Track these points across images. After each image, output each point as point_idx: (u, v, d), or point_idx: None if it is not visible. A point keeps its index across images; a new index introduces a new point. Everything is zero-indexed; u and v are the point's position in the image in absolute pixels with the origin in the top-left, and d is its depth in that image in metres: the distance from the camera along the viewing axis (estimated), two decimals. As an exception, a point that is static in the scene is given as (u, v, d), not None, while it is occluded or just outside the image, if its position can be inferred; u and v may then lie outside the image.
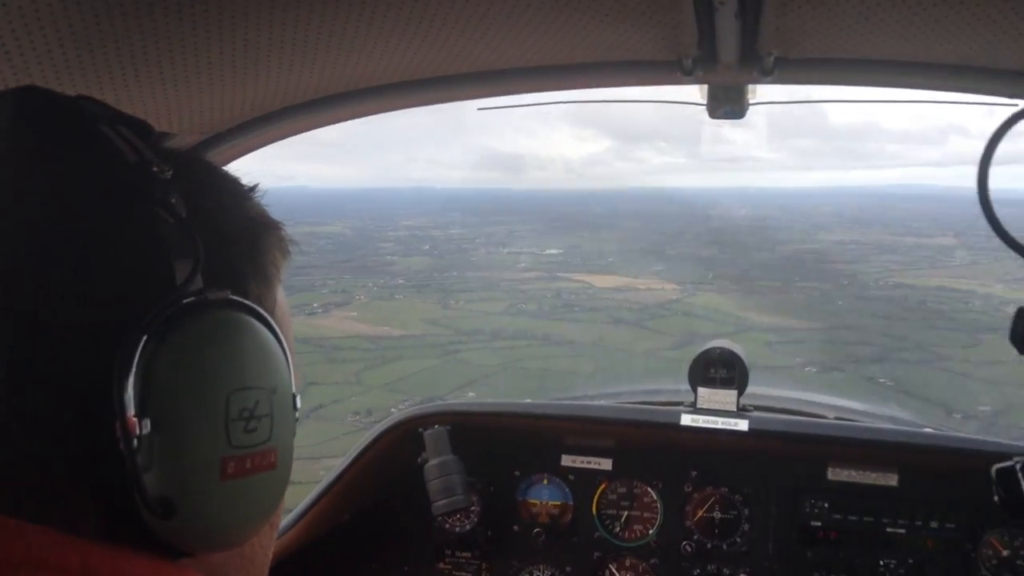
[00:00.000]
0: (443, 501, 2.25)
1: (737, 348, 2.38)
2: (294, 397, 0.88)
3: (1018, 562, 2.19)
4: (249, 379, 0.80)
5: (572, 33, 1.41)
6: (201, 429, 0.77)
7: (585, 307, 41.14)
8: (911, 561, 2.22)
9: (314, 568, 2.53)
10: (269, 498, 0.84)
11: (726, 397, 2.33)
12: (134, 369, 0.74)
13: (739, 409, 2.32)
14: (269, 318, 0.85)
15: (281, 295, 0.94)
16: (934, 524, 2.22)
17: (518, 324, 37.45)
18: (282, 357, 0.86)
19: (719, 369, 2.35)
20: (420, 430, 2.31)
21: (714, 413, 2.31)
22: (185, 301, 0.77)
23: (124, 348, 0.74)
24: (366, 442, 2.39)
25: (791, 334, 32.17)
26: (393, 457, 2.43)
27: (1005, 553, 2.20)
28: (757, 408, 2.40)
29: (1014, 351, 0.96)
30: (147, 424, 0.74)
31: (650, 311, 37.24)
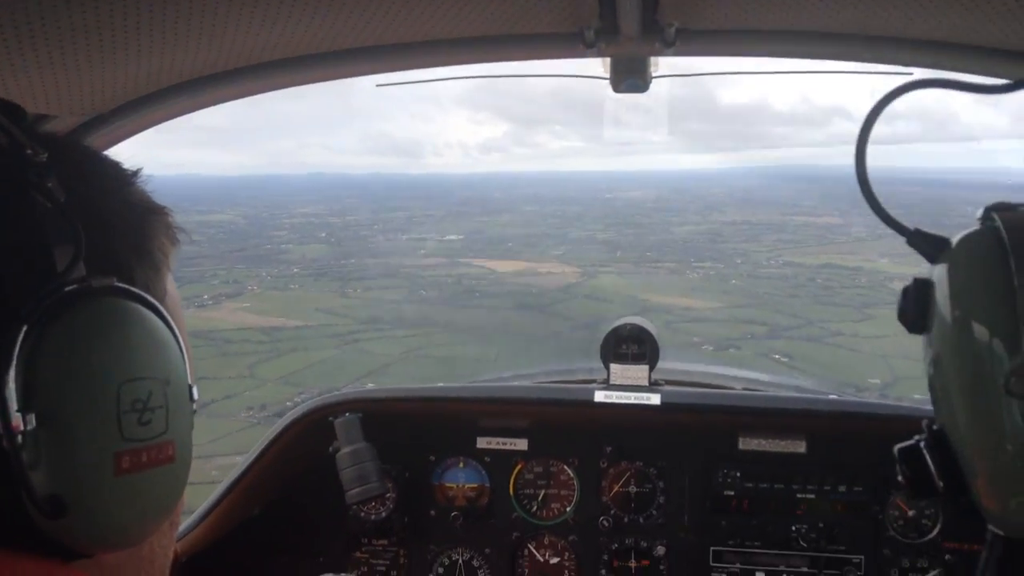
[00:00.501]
0: (357, 489, 2.20)
1: (647, 324, 2.42)
2: (190, 388, 0.85)
3: (923, 521, 2.31)
4: (140, 369, 0.77)
5: (470, 5, 1.37)
6: (91, 423, 0.73)
7: (488, 292, 41.28)
8: (821, 525, 2.31)
9: (226, 563, 2.44)
10: (168, 493, 0.81)
11: (638, 372, 2.36)
12: (15, 362, 0.70)
13: (651, 384, 2.35)
14: (159, 306, 0.82)
15: (172, 284, 0.91)
16: (842, 488, 2.31)
17: (419, 311, 37.24)
18: (175, 346, 0.83)
19: (630, 345, 2.38)
20: (330, 418, 2.25)
21: (627, 389, 2.33)
22: (67, 289, 0.74)
23: (3, 340, 0.70)
24: (275, 433, 2.32)
25: (688, 314, 33.16)
26: (303, 447, 2.37)
27: (911, 514, 2.32)
28: (668, 382, 2.44)
29: (899, 325, 1.00)
30: (32, 419, 0.70)
31: (552, 295, 37.71)
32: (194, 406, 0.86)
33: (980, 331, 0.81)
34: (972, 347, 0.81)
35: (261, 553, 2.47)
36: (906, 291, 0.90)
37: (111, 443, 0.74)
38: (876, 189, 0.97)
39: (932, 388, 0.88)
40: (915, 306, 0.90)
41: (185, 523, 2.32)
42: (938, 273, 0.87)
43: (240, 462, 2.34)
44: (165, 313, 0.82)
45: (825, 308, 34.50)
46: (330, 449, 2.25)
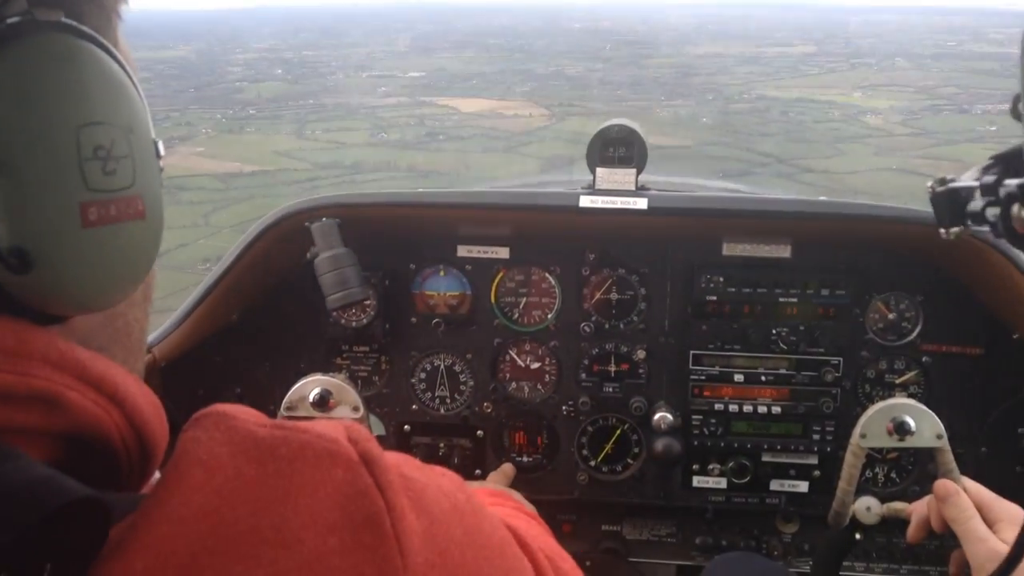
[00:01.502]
0: (338, 294, 2.17)
1: (635, 125, 2.36)
2: (155, 143, 0.80)
3: (903, 324, 2.38)
4: (99, 113, 0.72)
5: None
6: (52, 169, 0.69)
7: (451, 135, 40.56)
8: (802, 328, 2.37)
9: (205, 368, 2.48)
10: (140, 252, 0.78)
11: (625, 176, 2.33)
12: None
13: (637, 188, 2.32)
14: (113, 49, 0.76)
15: (125, 43, 0.83)
16: (825, 292, 2.36)
17: (380, 155, 36.61)
18: (136, 94, 0.77)
19: (618, 148, 2.33)
20: (307, 224, 2.21)
21: (613, 193, 2.29)
22: (9, 21, 0.67)
23: None
24: (249, 238, 2.28)
25: (659, 152, 32.98)
26: (280, 253, 2.34)
27: (891, 316, 2.39)
28: (655, 189, 2.42)
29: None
30: None
31: (519, 138, 37.13)
32: (161, 164, 0.82)
33: None
34: None
35: (241, 358, 2.50)
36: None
37: (76, 193, 0.70)
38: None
39: None
40: None
41: (160, 328, 2.32)
42: None
43: (214, 269, 2.32)
44: (121, 57, 0.76)
45: (798, 145, 34.54)
46: (308, 255, 2.22)
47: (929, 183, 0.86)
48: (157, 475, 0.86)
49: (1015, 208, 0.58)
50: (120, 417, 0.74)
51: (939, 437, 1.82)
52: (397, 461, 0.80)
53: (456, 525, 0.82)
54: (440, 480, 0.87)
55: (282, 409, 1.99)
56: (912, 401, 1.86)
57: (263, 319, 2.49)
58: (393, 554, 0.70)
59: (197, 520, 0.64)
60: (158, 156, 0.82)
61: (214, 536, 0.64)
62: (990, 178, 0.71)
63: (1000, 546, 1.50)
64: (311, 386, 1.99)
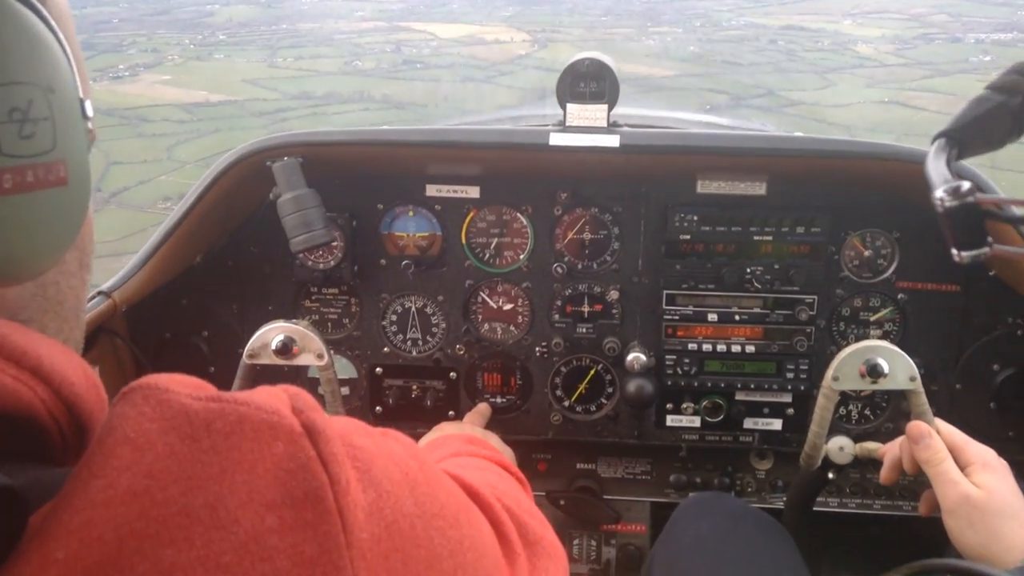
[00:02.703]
0: (301, 236, 2.16)
1: (607, 59, 2.33)
2: (82, 103, 0.77)
3: (879, 261, 2.41)
4: (13, 72, 0.68)
5: None
6: None
7: (429, 63, 39.86)
8: (777, 267, 2.39)
9: (170, 311, 2.48)
10: (64, 220, 0.75)
11: (596, 112, 2.30)
12: None
13: (609, 125, 2.30)
14: (34, 1, 0.72)
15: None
16: (800, 230, 2.37)
17: (354, 84, 35.96)
18: (59, 51, 0.74)
19: (589, 83, 2.30)
20: (268, 163, 2.19)
21: (584, 131, 2.27)
22: None
23: None
24: (208, 179, 2.25)
25: (645, 83, 32.68)
26: (242, 193, 2.31)
27: (866, 253, 2.41)
28: (627, 125, 2.40)
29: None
30: None
31: (499, 67, 36.54)
32: (90, 125, 0.79)
33: None
34: None
35: (206, 301, 2.51)
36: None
37: None
38: None
39: None
40: None
41: (120, 273, 2.31)
42: None
43: (174, 211, 2.30)
44: (43, 11, 0.73)
45: (786, 75, 34.24)
46: (271, 196, 2.21)
47: (939, 193, 0.79)
48: None
49: None
50: (47, 392, 0.71)
51: (912, 379, 1.86)
52: (345, 430, 0.78)
53: (406, 496, 0.80)
54: (391, 447, 0.85)
55: (244, 357, 2.00)
56: (885, 343, 1.89)
57: (228, 261, 2.48)
58: (336, 531, 0.68)
59: (124, 503, 0.61)
60: (85, 117, 0.79)
61: (143, 519, 0.61)
62: None
63: (971, 489, 1.56)
64: (273, 333, 2.00)
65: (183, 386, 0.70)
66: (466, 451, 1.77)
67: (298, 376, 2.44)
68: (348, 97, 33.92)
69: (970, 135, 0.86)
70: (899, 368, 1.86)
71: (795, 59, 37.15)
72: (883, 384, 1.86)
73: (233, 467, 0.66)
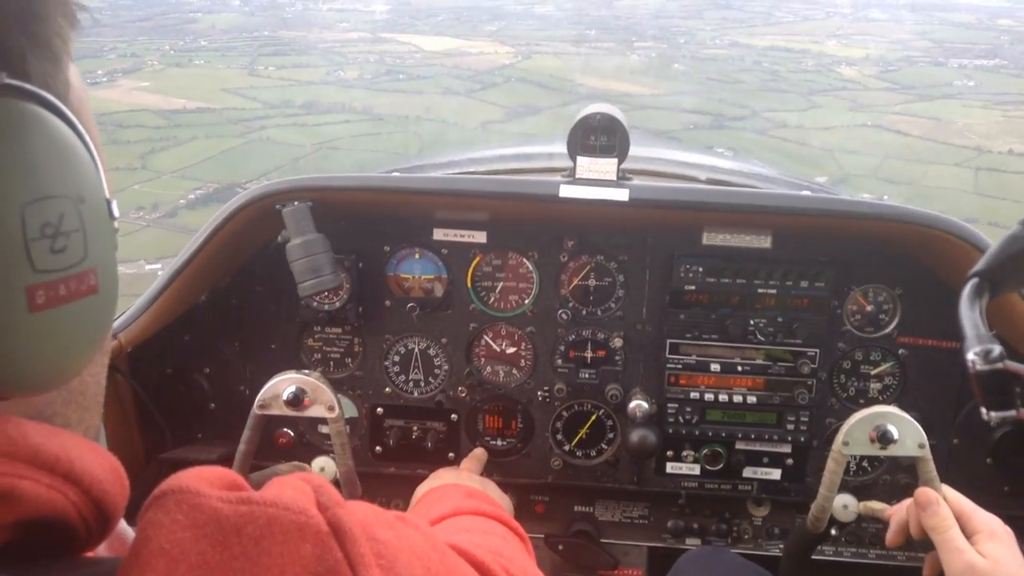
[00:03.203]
0: (310, 282, 2.20)
1: (618, 113, 2.37)
2: (108, 204, 0.77)
3: (880, 316, 2.47)
4: (46, 186, 0.68)
5: None
6: None
7: (412, 75, 39.90)
8: (780, 320, 2.44)
9: (174, 349, 2.49)
10: (94, 326, 0.76)
11: (606, 166, 2.33)
12: None
13: (619, 178, 2.34)
14: (62, 106, 0.72)
15: (76, 76, 0.79)
16: (804, 284, 2.42)
17: (335, 94, 35.91)
18: (86, 155, 0.74)
19: (599, 136, 2.34)
20: (278, 207, 2.22)
21: (594, 183, 2.31)
22: None
23: None
24: (217, 221, 2.28)
25: (628, 100, 32.89)
26: (250, 236, 2.34)
27: (869, 308, 2.47)
28: (633, 172, 2.44)
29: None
30: None
31: (482, 78, 36.61)
32: (116, 224, 0.79)
33: None
34: None
35: (209, 338, 2.52)
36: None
37: (21, 277, 0.66)
38: None
39: None
40: None
41: (127, 313, 2.32)
42: None
43: (182, 251, 2.32)
44: (70, 115, 0.73)
45: (771, 95, 34.58)
46: (279, 238, 2.23)
47: (970, 355, 0.80)
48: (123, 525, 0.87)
49: None
50: (77, 494, 0.72)
51: (921, 447, 1.90)
52: (368, 521, 0.79)
53: None
54: (412, 538, 0.87)
55: (255, 407, 2.01)
56: (895, 409, 1.94)
57: (233, 299, 2.50)
58: None
59: None
60: (112, 217, 0.78)
61: None
62: None
63: (977, 558, 1.60)
64: (285, 384, 2.01)
65: (212, 486, 0.71)
66: (467, 507, 1.79)
67: (298, 419, 2.46)
68: (329, 107, 33.87)
69: (1005, 275, 0.89)
70: (908, 435, 1.91)
71: (779, 79, 37.54)
72: (892, 451, 1.91)
73: (263, 572, 0.67)
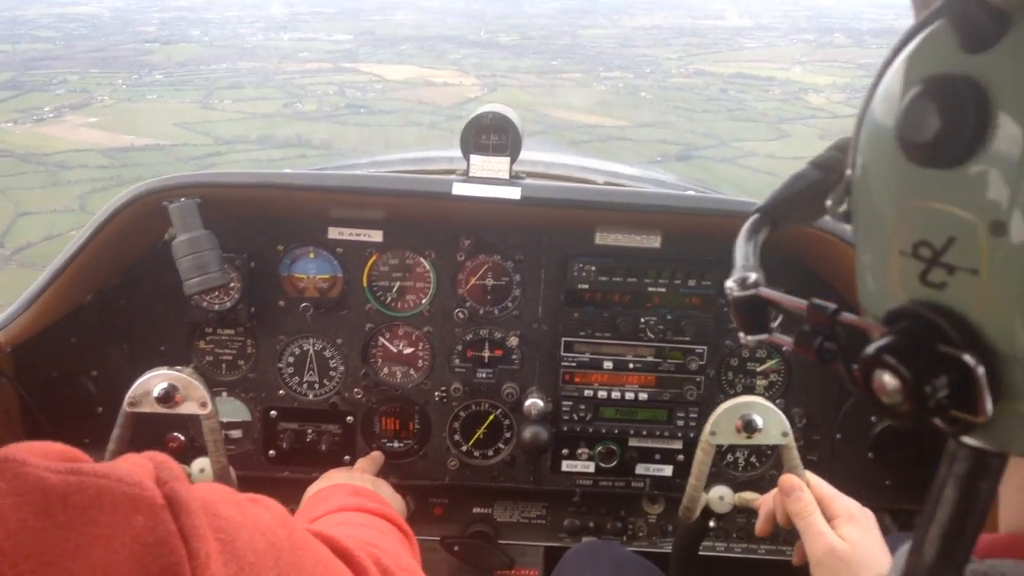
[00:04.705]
0: (196, 279, 2.23)
1: (510, 113, 2.49)
2: None
3: None
4: None
5: None
6: None
7: (373, 108, 40.03)
8: (669, 317, 2.55)
9: (58, 351, 2.53)
10: None
11: (499, 164, 2.44)
12: None
13: (512, 177, 2.45)
14: None
15: None
16: (692, 283, 2.54)
17: (293, 127, 35.81)
18: None
19: (491, 136, 2.45)
20: (165, 203, 2.27)
21: (486, 182, 2.42)
22: None
23: None
24: (102, 217, 2.33)
25: (597, 131, 33.26)
26: (136, 233, 2.40)
27: None
28: (529, 175, 2.55)
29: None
30: None
31: (446, 111, 36.78)
32: None
33: None
34: None
35: (96, 340, 2.56)
36: (942, 101, 0.53)
37: None
38: None
39: (978, 270, 0.50)
40: (962, 125, 0.49)
41: (7, 311, 2.37)
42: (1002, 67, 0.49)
43: (64, 249, 2.37)
44: None
45: (738, 124, 35.13)
46: (166, 236, 2.28)
47: (728, 283, 0.85)
48: None
49: (879, 374, 0.52)
50: None
51: (784, 435, 2.05)
52: (211, 498, 0.81)
53: (270, 568, 0.83)
54: (259, 515, 0.89)
55: (124, 405, 2.06)
56: (759, 399, 2.08)
57: (120, 300, 2.55)
58: None
59: None
60: None
61: None
62: (825, 308, 0.68)
63: (836, 541, 1.69)
64: (156, 381, 2.07)
65: (43, 457, 0.71)
66: (352, 504, 1.84)
67: (189, 422, 2.51)
68: (285, 141, 33.69)
69: (785, 211, 0.96)
70: (772, 424, 2.05)
71: (745, 108, 38.16)
72: (757, 439, 2.05)
73: (89, 542, 0.68)
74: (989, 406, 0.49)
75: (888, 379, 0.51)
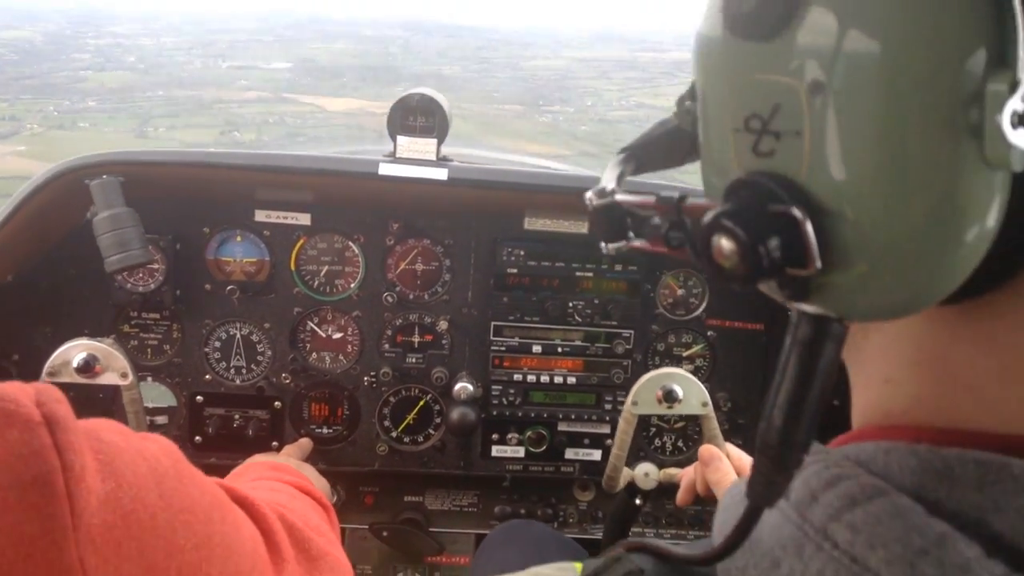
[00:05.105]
0: (116, 256, 2.20)
1: (438, 96, 2.54)
2: None
3: (691, 300, 2.67)
4: None
5: None
6: None
7: (312, 136, 39.82)
8: (597, 302, 2.61)
9: None
10: None
11: (426, 146, 2.49)
12: None
13: (439, 159, 2.49)
14: None
15: None
16: (618, 268, 2.61)
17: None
18: None
19: (418, 117, 2.50)
20: (86, 181, 2.26)
21: (413, 162, 2.46)
22: None
23: None
24: (22, 196, 2.31)
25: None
26: (58, 212, 2.38)
27: (679, 292, 2.68)
28: (459, 159, 2.60)
29: None
30: None
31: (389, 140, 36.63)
32: None
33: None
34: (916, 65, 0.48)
35: (17, 323, 2.52)
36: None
37: None
38: None
39: (801, 131, 0.54)
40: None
41: None
42: None
43: None
44: None
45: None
46: (88, 215, 2.27)
47: (587, 194, 0.86)
48: None
49: (718, 239, 0.54)
50: None
51: (704, 405, 2.12)
52: (95, 426, 0.83)
53: (151, 489, 0.85)
54: (143, 445, 0.90)
55: (43, 375, 2.05)
56: (680, 371, 2.15)
57: (42, 281, 2.52)
58: (63, 513, 0.73)
59: None
60: None
61: None
62: (671, 196, 0.70)
63: None
64: (76, 351, 2.07)
65: None
66: (268, 476, 1.82)
67: (115, 400, 2.48)
68: (220, 171, 33.30)
69: (646, 154, 1.01)
70: (692, 394, 2.12)
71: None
72: (677, 409, 2.12)
73: None
74: (817, 257, 0.51)
75: (725, 242, 0.54)
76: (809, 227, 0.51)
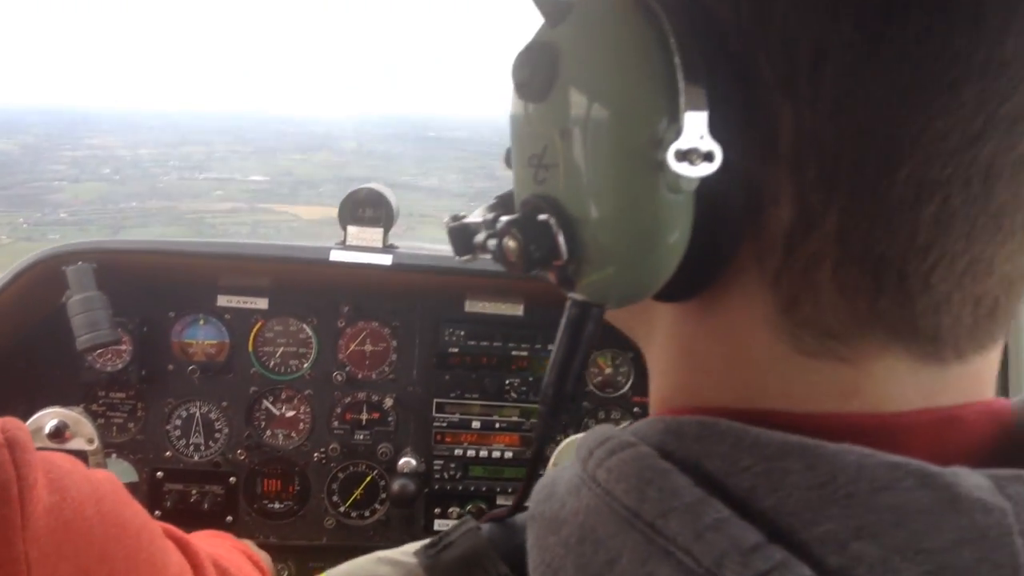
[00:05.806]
0: (87, 336, 2.46)
1: (386, 190, 2.86)
2: None
3: (618, 379, 2.93)
4: None
5: None
6: None
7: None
8: (531, 379, 2.87)
9: None
10: None
11: (373, 235, 2.79)
12: None
13: (385, 246, 2.78)
14: None
15: None
16: (551, 347, 2.87)
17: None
18: None
19: (367, 209, 2.82)
20: (63, 268, 2.51)
21: (361, 249, 2.75)
22: None
23: None
24: (2, 282, 2.58)
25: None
26: (35, 297, 2.63)
27: (608, 371, 2.95)
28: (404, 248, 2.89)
29: None
30: None
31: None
32: None
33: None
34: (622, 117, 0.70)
35: None
36: (529, 54, 0.78)
37: None
38: None
39: (559, 165, 0.74)
40: (541, 71, 0.75)
41: None
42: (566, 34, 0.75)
43: None
44: None
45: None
46: (63, 299, 2.53)
47: (445, 218, 1.00)
48: None
49: (506, 240, 0.72)
50: None
51: None
52: (50, 455, 0.99)
53: (90, 505, 0.99)
54: (90, 472, 1.06)
55: None
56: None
57: (18, 362, 2.74)
58: (14, 515, 0.88)
59: None
60: None
61: None
62: (491, 215, 0.87)
63: None
64: (48, 418, 2.29)
65: None
66: (210, 535, 2.00)
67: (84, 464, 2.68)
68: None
69: (506, 199, 1.10)
70: None
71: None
72: None
73: None
74: (564, 253, 0.71)
75: (510, 243, 0.73)
76: (559, 231, 0.72)
